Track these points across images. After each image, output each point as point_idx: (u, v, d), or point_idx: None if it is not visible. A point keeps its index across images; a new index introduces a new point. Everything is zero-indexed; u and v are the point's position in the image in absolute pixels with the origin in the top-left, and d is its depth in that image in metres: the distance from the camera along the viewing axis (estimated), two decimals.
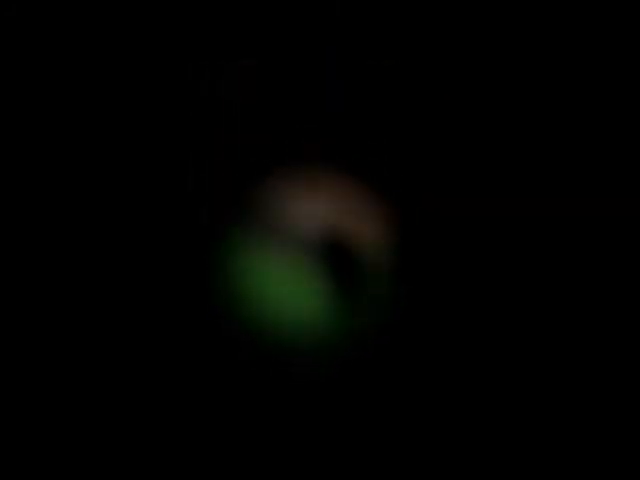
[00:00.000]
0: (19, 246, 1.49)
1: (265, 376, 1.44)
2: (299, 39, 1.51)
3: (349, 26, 1.51)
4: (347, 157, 1.48)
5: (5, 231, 1.49)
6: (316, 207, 1.41)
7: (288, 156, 1.47)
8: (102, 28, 1.52)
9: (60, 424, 1.44)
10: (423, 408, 1.42)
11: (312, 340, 1.41)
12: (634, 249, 1.44)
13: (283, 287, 1.39)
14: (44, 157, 1.51)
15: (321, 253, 1.38)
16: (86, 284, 1.47)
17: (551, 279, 1.46)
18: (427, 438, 1.42)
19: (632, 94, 1.48)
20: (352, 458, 1.43)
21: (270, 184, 1.45)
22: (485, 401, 1.43)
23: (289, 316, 1.41)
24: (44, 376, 1.46)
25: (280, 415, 1.43)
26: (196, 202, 1.49)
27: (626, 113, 1.48)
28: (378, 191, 1.46)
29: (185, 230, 1.48)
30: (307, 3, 1.51)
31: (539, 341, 1.44)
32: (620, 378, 1.43)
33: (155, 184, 1.51)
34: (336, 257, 1.39)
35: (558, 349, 1.44)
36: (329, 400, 1.43)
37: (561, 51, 1.50)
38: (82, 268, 1.48)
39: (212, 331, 1.44)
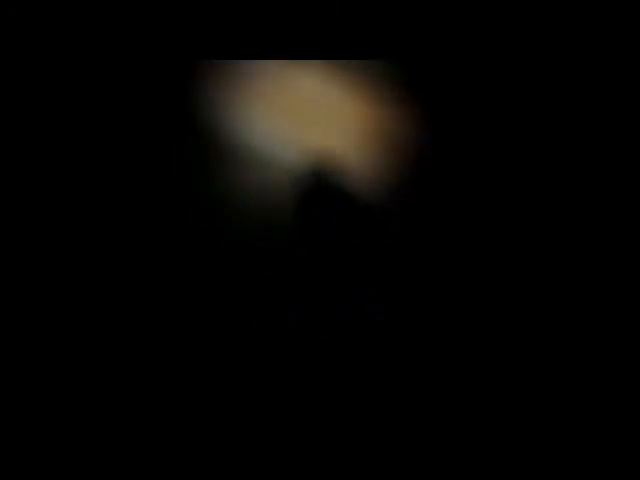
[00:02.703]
0: (18, 246, 1.49)
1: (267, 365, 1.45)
2: (299, 39, 1.52)
3: (355, 26, 1.52)
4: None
5: (3, 232, 1.49)
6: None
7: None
8: (102, 28, 1.52)
9: (61, 419, 1.44)
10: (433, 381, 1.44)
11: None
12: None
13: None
14: (43, 155, 1.51)
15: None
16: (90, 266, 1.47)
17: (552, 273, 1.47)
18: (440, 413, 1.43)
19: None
20: (353, 451, 1.44)
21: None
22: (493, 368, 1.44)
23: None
24: (46, 372, 1.46)
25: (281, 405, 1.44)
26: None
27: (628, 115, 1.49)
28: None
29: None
30: (307, 3, 1.52)
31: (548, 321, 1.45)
32: (622, 362, 1.44)
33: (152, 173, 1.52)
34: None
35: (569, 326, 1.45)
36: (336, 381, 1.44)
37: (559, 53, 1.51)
38: (85, 253, 1.48)
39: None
